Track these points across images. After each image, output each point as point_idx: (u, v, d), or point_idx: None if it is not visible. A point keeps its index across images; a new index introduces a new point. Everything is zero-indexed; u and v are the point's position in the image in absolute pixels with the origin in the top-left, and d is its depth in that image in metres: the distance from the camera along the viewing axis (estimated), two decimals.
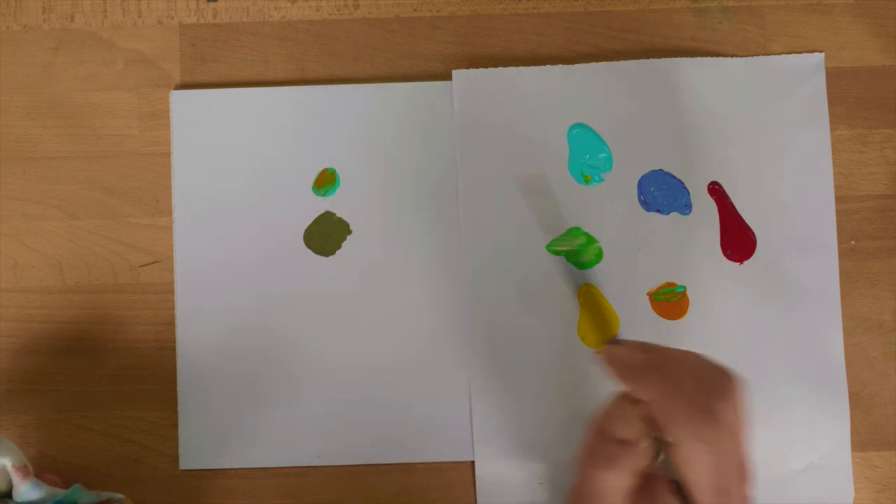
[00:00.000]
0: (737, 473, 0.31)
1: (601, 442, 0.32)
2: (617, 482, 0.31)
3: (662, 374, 0.31)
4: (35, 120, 0.45)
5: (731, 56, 0.45)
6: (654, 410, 0.30)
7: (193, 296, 0.44)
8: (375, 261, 0.44)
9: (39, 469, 0.41)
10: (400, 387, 0.43)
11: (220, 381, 0.43)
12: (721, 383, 0.31)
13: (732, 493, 0.31)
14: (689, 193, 0.44)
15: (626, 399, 0.32)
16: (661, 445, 0.31)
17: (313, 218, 0.44)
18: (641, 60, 0.44)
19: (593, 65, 0.44)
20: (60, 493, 0.37)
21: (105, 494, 0.39)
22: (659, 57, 0.44)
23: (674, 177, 0.44)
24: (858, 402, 0.44)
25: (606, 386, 0.43)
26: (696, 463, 0.30)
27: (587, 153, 0.44)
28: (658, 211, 0.44)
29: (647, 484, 0.31)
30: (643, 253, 0.44)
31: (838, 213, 0.44)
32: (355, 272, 0.44)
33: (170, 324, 0.44)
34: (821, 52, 0.45)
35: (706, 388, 0.31)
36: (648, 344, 0.34)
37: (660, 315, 0.44)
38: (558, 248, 0.44)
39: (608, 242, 0.44)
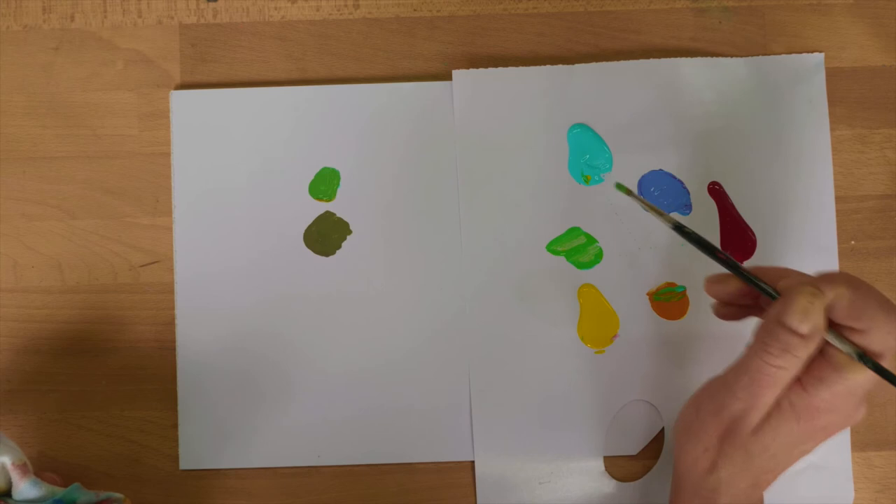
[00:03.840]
0: None
1: (780, 332, 0.34)
2: (787, 374, 0.35)
3: (846, 280, 0.35)
4: (35, 120, 0.45)
5: (731, 56, 0.45)
6: (842, 306, 0.34)
7: (193, 296, 0.44)
8: (375, 261, 0.44)
9: (39, 468, 0.41)
10: (400, 387, 0.43)
11: (220, 381, 0.43)
12: (891, 303, 0.35)
13: None
14: (689, 193, 0.44)
15: (811, 296, 0.34)
16: (842, 337, 0.34)
17: (313, 218, 0.44)
18: (641, 60, 0.44)
19: (593, 65, 0.44)
20: (60, 491, 0.37)
21: (104, 494, 0.38)
22: (659, 57, 0.44)
23: (674, 177, 0.44)
24: None
25: (606, 386, 0.43)
26: (889, 349, 0.34)
27: (587, 153, 0.44)
28: None
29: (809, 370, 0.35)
30: (643, 253, 0.44)
31: (838, 213, 0.44)
32: (355, 272, 0.44)
33: (170, 324, 0.44)
34: (821, 52, 0.45)
35: (884, 298, 0.35)
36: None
37: (660, 315, 0.44)
38: (558, 248, 0.44)
39: (608, 242, 0.44)
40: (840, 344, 0.34)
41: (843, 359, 0.34)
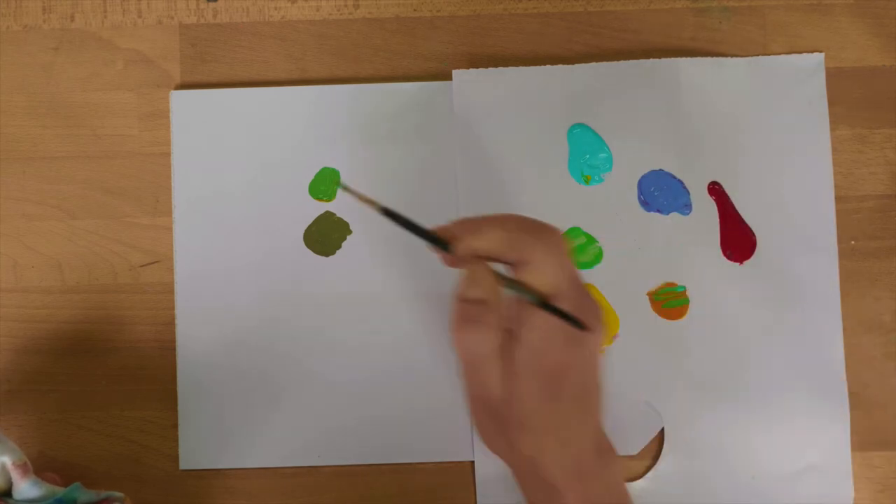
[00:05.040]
0: (577, 273, 0.37)
1: (462, 308, 0.35)
2: (485, 341, 0.35)
3: (497, 220, 0.35)
4: (35, 120, 0.45)
5: (731, 56, 0.45)
6: (501, 247, 0.34)
7: (193, 296, 0.44)
8: (375, 261, 0.44)
9: (39, 468, 0.41)
10: (400, 386, 0.43)
11: (220, 381, 0.43)
12: (543, 224, 0.36)
13: (581, 287, 0.36)
14: (689, 193, 0.44)
15: (474, 264, 0.35)
16: (516, 283, 0.35)
17: (313, 218, 0.44)
18: (641, 60, 0.44)
19: (593, 65, 0.44)
20: (60, 491, 0.37)
21: (104, 493, 0.39)
22: (659, 57, 0.44)
23: (674, 177, 0.44)
24: (858, 402, 0.44)
25: (606, 386, 0.43)
26: (549, 266, 0.34)
27: (587, 153, 0.44)
28: (658, 211, 0.44)
29: (509, 335, 0.35)
30: (643, 253, 0.44)
31: (838, 213, 0.44)
32: (355, 272, 0.44)
33: (170, 324, 0.44)
34: (821, 52, 0.45)
35: (533, 222, 0.35)
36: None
37: (660, 315, 0.44)
38: None
39: (608, 242, 0.44)
40: (518, 293, 0.35)
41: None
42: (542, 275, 0.34)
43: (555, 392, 0.35)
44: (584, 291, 0.36)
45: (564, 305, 0.34)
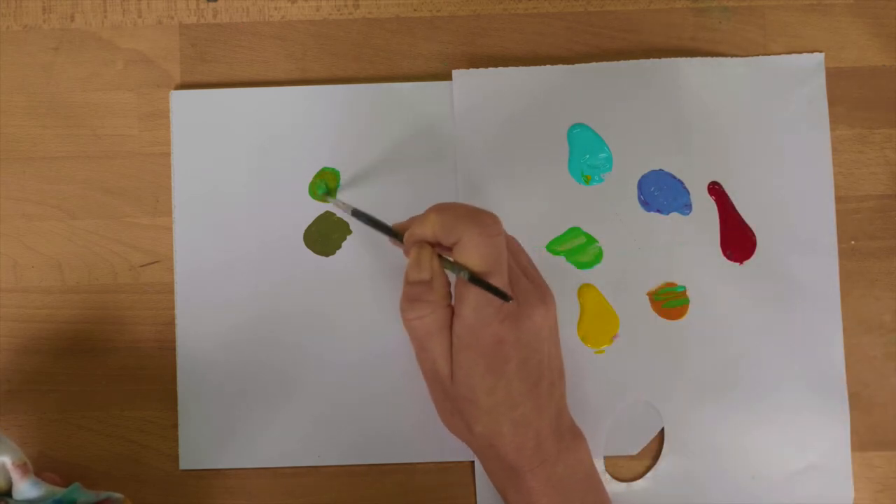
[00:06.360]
0: (516, 246, 0.41)
1: (408, 289, 0.38)
2: (431, 317, 0.37)
3: (436, 207, 0.37)
4: (35, 120, 0.45)
5: (731, 56, 0.45)
6: (436, 231, 0.37)
7: (193, 296, 0.44)
8: (375, 261, 0.44)
9: (39, 468, 0.41)
10: (400, 386, 0.43)
11: (220, 381, 0.43)
12: (479, 210, 0.37)
13: (523, 262, 0.40)
14: (689, 193, 0.44)
15: (417, 248, 0.38)
16: (453, 263, 0.37)
17: (313, 218, 0.44)
18: (641, 60, 0.44)
19: (593, 65, 0.44)
20: (60, 491, 0.37)
21: (104, 494, 0.38)
22: (659, 57, 0.44)
23: (674, 177, 0.44)
24: (858, 402, 0.44)
25: (606, 385, 0.43)
26: (479, 245, 0.36)
27: (587, 153, 0.44)
28: (658, 211, 0.44)
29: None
30: (643, 253, 0.44)
31: (838, 213, 0.44)
32: (355, 272, 0.44)
33: (170, 324, 0.44)
34: (821, 52, 0.45)
35: (469, 209, 0.37)
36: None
37: (660, 315, 0.44)
38: (558, 248, 0.44)
39: (608, 242, 0.44)
40: (454, 272, 0.37)
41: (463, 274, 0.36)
42: (473, 253, 0.36)
43: (497, 368, 0.36)
44: (520, 273, 0.39)
45: (495, 282, 0.36)
